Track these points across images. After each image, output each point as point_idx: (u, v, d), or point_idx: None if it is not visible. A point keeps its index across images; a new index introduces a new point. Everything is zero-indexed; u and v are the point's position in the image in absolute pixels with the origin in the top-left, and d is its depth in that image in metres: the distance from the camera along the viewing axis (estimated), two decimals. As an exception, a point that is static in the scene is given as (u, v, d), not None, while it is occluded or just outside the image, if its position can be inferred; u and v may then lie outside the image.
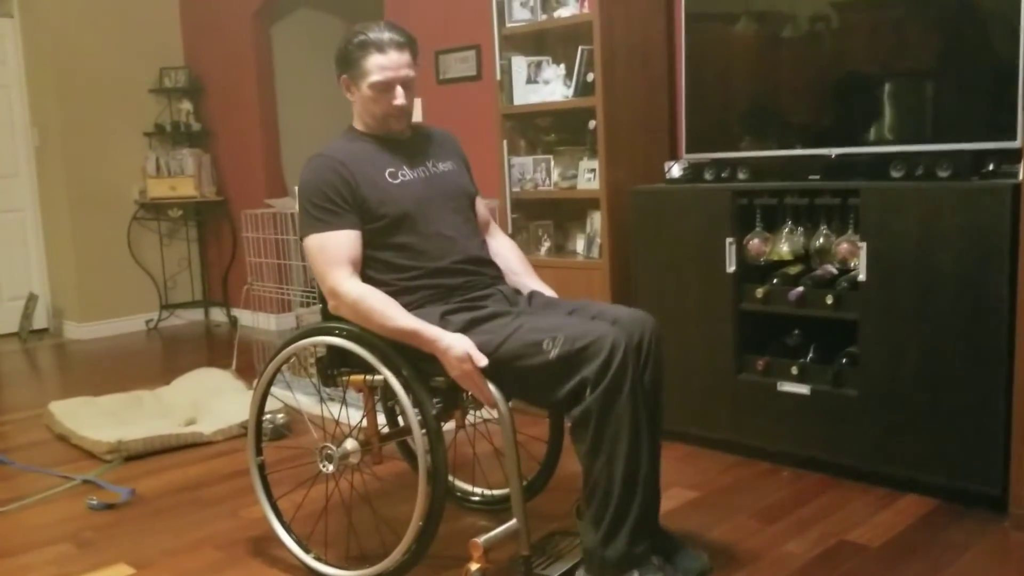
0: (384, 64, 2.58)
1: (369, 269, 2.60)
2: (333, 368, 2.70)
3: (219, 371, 4.89)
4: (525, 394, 2.48)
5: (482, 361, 2.37)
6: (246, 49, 6.62)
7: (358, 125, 2.75)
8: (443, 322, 2.50)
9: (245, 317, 6.49)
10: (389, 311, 2.46)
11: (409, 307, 2.52)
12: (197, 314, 7.28)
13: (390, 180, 2.64)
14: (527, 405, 2.62)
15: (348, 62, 2.64)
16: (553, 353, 2.32)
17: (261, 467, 2.80)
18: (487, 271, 2.73)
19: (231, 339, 6.07)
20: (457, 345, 2.38)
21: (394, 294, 2.53)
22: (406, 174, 2.68)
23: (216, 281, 7.22)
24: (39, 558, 2.91)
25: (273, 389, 2.80)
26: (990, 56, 3.00)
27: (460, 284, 2.63)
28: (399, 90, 2.61)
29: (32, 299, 6.79)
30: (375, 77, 2.59)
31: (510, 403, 2.41)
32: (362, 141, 2.71)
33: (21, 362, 6.13)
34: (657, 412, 2.47)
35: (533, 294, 2.77)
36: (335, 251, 2.54)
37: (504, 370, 2.40)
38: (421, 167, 2.73)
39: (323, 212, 2.55)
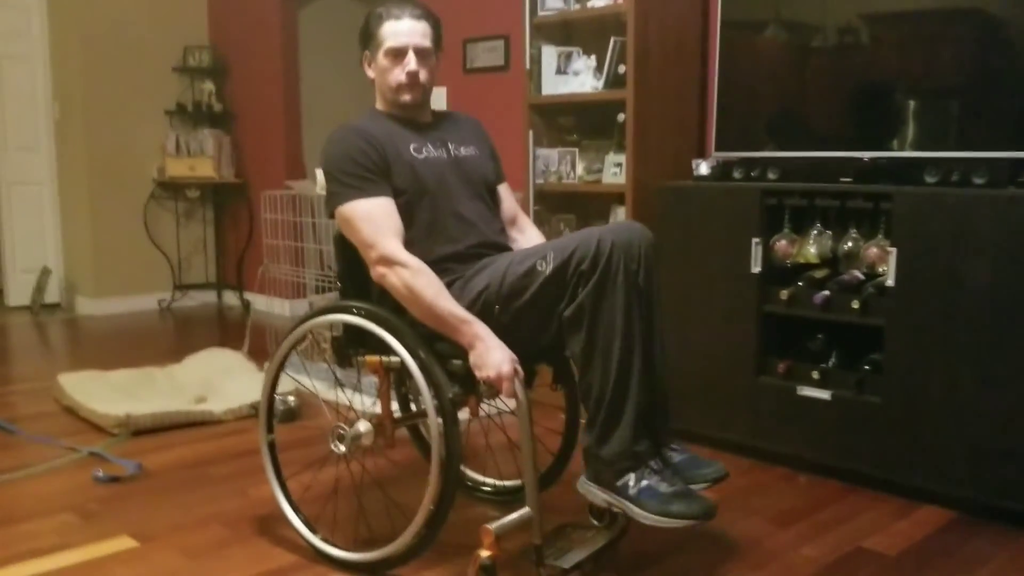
0: (398, 29, 2.58)
1: None
2: (349, 348, 2.66)
3: (231, 351, 4.85)
4: (541, 331, 2.40)
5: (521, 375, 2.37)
6: (272, 33, 6.59)
7: (379, 106, 2.72)
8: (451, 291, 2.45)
9: (259, 302, 6.47)
10: (444, 293, 2.41)
11: None
12: (210, 296, 7.26)
13: (415, 154, 2.60)
14: (553, 398, 2.56)
15: (367, 35, 2.65)
16: (548, 269, 2.32)
17: (272, 445, 2.76)
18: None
19: (243, 322, 6.04)
20: (499, 352, 2.34)
21: None
22: (430, 151, 2.64)
23: (231, 264, 7.20)
24: (42, 527, 2.87)
25: (286, 372, 2.75)
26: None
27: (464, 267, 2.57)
28: (411, 56, 2.58)
29: (45, 273, 6.78)
30: (389, 43, 2.58)
31: (529, 391, 2.37)
32: (384, 119, 2.67)
33: (32, 335, 6.11)
34: (653, 312, 2.41)
35: None
36: (384, 219, 2.49)
37: (514, 313, 2.39)
38: (444, 148, 2.69)
39: (358, 180, 2.50)
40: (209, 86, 6.98)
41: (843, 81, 3.37)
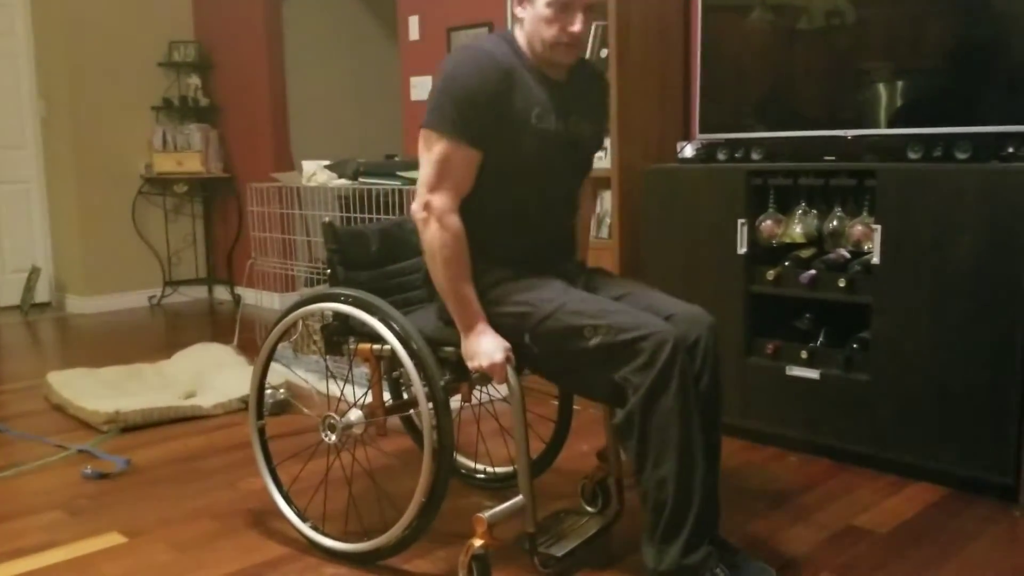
0: None
1: None
2: (339, 336, 2.63)
3: (220, 346, 4.84)
4: (560, 377, 2.39)
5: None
6: (257, 26, 6.55)
7: (522, 42, 2.37)
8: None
9: (249, 296, 6.45)
10: (466, 273, 2.30)
11: None
12: (200, 291, 7.24)
13: (535, 123, 2.32)
14: (545, 385, 2.53)
15: None
16: (593, 342, 2.18)
17: (261, 432, 2.74)
18: (559, 258, 2.53)
19: (234, 317, 6.02)
20: (491, 341, 2.28)
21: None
22: (551, 122, 2.35)
23: (220, 259, 7.18)
24: (31, 524, 2.86)
25: (277, 366, 2.73)
26: (1012, 38, 2.93)
27: (525, 267, 2.42)
28: (579, 16, 2.27)
29: (35, 272, 6.74)
30: None
31: (521, 376, 2.34)
32: (522, 63, 2.34)
33: (22, 334, 6.08)
34: (715, 417, 2.32)
35: (587, 267, 2.64)
36: (458, 173, 2.28)
37: (540, 350, 2.29)
38: (564, 121, 2.38)
39: (462, 120, 2.25)
40: (195, 80, 6.95)
41: (824, 59, 3.36)
